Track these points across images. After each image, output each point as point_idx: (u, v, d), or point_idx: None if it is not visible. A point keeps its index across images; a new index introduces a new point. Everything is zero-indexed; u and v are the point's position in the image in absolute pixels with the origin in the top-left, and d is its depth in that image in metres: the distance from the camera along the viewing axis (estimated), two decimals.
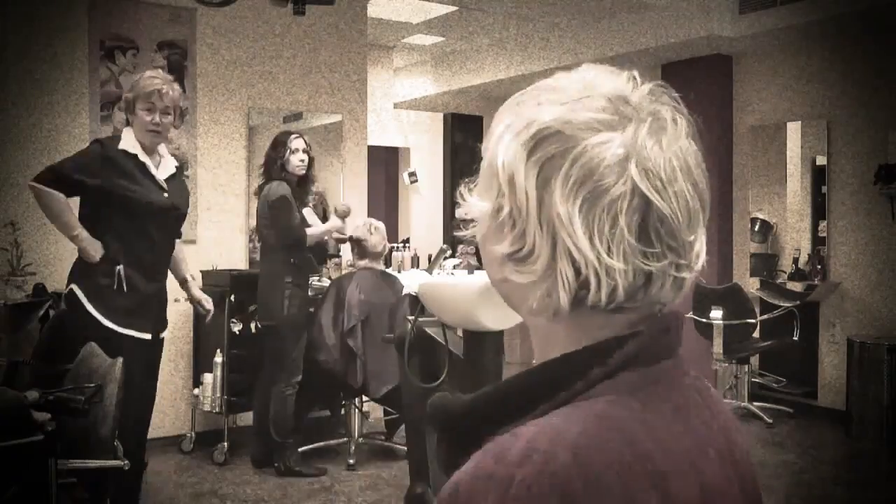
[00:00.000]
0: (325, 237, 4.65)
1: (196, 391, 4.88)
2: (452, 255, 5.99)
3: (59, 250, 4.71)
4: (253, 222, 5.36)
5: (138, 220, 3.17)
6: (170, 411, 4.98)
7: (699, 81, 6.27)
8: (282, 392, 4.41)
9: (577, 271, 0.68)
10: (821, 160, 6.02)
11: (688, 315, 5.87)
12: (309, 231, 4.44)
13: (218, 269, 5.01)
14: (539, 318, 0.74)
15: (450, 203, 8.18)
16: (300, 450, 4.55)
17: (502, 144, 0.72)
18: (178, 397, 5.02)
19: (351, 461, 4.61)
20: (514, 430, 0.65)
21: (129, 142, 3.18)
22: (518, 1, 6.05)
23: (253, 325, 4.76)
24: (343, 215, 4.56)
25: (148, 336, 3.21)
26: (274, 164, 4.43)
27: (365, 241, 4.74)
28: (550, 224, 0.69)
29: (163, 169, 3.27)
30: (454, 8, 6.21)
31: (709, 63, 6.27)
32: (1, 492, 2.00)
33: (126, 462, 2.38)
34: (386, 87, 8.01)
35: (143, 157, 3.18)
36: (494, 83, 7.60)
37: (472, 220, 0.77)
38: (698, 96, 6.29)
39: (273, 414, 4.43)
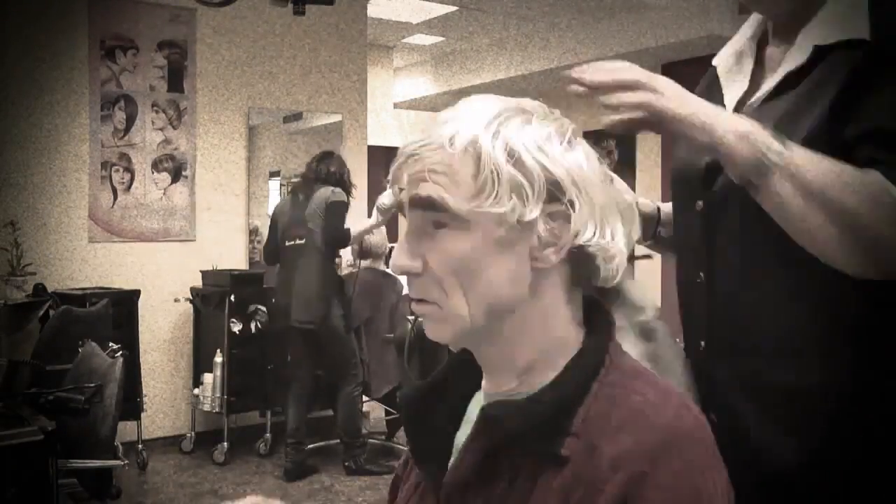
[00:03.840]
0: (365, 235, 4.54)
1: (196, 391, 4.88)
2: None
3: (59, 250, 4.72)
4: (252, 222, 5.36)
5: None
6: (170, 411, 4.98)
7: (699, 81, 6.25)
8: (350, 394, 4.42)
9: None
10: None
11: None
12: (353, 229, 4.36)
13: (218, 269, 5.01)
14: (545, 303, 0.81)
15: None
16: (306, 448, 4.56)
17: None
18: (178, 397, 5.02)
19: None
20: (638, 391, 0.77)
21: None
22: (518, 1, 6.05)
23: (253, 325, 4.76)
24: (386, 211, 4.48)
25: None
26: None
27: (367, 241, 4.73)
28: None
29: None
30: (454, 8, 6.21)
31: (709, 63, 6.22)
32: (1, 492, 2.00)
33: (126, 462, 2.38)
34: (386, 87, 8.01)
35: None
36: (494, 83, 7.59)
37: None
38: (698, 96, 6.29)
39: (343, 415, 4.44)
